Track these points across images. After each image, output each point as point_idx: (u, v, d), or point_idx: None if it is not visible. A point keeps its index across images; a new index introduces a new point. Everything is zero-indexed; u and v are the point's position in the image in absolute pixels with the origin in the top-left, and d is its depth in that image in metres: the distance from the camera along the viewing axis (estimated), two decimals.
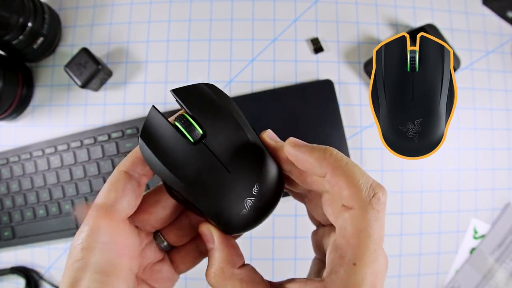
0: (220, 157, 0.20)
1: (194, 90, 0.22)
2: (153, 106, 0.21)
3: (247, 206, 0.20)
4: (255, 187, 0.20)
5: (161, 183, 0.23)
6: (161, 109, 0.38)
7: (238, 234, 0.22)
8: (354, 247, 0.18)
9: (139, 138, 0.20)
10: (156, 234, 0.24)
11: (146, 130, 0.20)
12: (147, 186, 0.45)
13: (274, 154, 0.22)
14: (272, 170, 0.21)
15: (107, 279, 0.19)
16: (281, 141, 0.22)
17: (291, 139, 0.21)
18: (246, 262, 0.21)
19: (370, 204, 0.18)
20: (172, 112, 0.44)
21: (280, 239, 0.48)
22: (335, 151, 0.19)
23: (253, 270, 0.21)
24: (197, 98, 0.21)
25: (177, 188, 0.20)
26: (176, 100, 0.21)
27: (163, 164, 0.20)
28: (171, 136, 0.20)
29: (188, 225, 0.24)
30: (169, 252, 0.25)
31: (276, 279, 0.21)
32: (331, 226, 0.21)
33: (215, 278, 0.20)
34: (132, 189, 0.21)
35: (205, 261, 0.23)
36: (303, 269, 0.25)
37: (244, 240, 0.50)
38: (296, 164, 0.20)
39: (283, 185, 0.22)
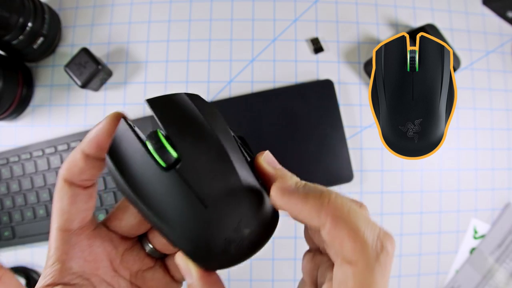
0: (196, 188, 0.17)
1: (173, 102, 0.18)
2: (122, 117, 0.18)
3: (227, 246, 0.17)
4: (238, 225, 0.17)
5: None
6: None
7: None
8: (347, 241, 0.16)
9: (106, 154, 0.18)
10: (143, 239, 0.23)
11: (114, 147, 0.18)
12: None
13: (269, 183, 0.19)
14: (262, 205, 0.18)
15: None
16: (280, 167, 0.19)
17: (273, 170, 0.18)
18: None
19: (377, 260, 0.15)
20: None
21: (280, 238, 0.48)
22: (333, 195, 0.17)
23: None
24: (175, 112, 0.18)
25: (143, 216, 0.18)
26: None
27: (130, 189, 0.17)
28: (140, 158, 0.17)
29: None
30: (164, 258, 0.24)
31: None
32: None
33: None
34: (77, 195, 0.20)
35: None
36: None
37: None
38: (289, 215, 0.18)
39: (277, 221, 0.19)
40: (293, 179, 0.18)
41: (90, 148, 0.19)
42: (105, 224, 0.22)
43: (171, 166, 0.17)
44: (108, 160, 0.18)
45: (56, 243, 0.20)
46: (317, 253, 0.21)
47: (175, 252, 0.21)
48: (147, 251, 0.23)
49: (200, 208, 0.17)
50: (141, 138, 0.18)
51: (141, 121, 0.49)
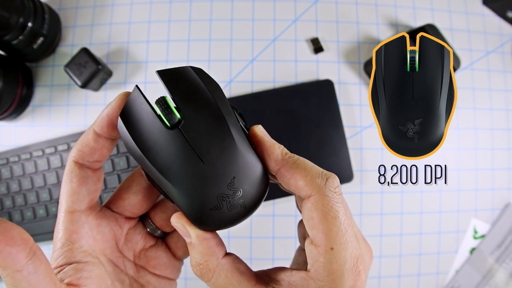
0: (195, 145, 0.19)
1: (180, 74, 0.21)
2: (136, 86, 0.20)
3: (220, 203, 0.19)
4: (231, 183, 0.19)
5: (138, 167, 0.23)
6: None
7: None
8: (325, 231, 0.18)
9: (119, 116, 0.20)
10: (145, 219, 0.24)
11: (126, 110, 0.20)
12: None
13: (261, 151, 0.21)
14: (254, 166, 0.20)
15: (79, 266, 0.20)
16: (271, 139, 0.21)
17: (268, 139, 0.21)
18: (229, 252, 0.21)
19: (326, 187, 0.19)
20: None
21: (280, 238, 0.48)
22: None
23: (237, 259, 0.21)
24: (181, 81, 0.20)
25: (148, 173, 0.20)
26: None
27: (137, 146, 0.19)
28: (148, 118, 0.19)
29: (172, 208, 0.24)
30: (165, 237, 0.25)
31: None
32: None
33: (199, 271, 0.20)
34: (87, 177, 0.21)
35: None
36: None
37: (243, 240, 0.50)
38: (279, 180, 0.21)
39: (267, 185, 0.21)
40: (281, 148, 0.21)
41: (101, 127, 0.20)
42: (108, 206, 0.23)
43: (174, 125, 0.19)
44: (120, 121, 0.19)
45: (65, 224, 0.21)
46: None
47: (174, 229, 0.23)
48: (148, 230, 0.24)
49: (198, 163, 0.19)
50: (150, 103, 0.20)
51: None
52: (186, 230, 0.20)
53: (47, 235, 0.49)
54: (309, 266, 0.19)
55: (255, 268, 0.21)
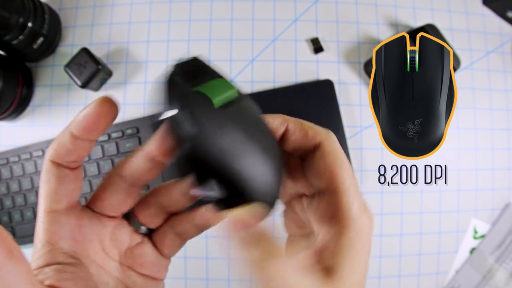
0: (242, 123, 0.20)
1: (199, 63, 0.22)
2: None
3: (263, 171, 0.19)
4: (268, 152, 0.20)
5: (115, 167, 0.22)
6: None
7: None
8: (336, 171, 0.20)
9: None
10: (129, 216, 0.24)
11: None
12: (147, 187, 0.45)
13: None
14: (274, 141, 0.21)
15: (60, 268, 0.19)
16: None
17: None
18: None
19: (330, 134, 0.21)
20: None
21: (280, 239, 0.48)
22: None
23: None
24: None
25: (200, 148, 0.18)
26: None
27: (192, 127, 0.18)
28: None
29: (156, 204, 0.23)
30: (151, 234, 0.24)
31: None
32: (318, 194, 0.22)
33: (268, 268, 0.17)
34: (65, 176, 0.20)
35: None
36: None
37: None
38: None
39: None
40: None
41: (79, 129, 0.19)
42: (89, 206, 0.22)
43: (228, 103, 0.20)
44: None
45: (45, 225, 0.20)
46: (295, 201, 0.24)
47: (161, 226, 0.24)
48: (136, 228, 0.23)
49: (246, 137, 0.19)
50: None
51: (141, 121, 0.49)
52: (248, 219, 0.18)
53: None
54: (321, 225, 0.20)
55: None
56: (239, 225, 0.18)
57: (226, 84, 0.20)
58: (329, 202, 0.20)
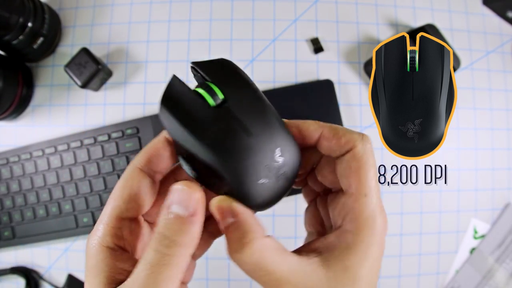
0: (243, 119, 0.20)
1: (215, 62, 0.22)
2: (174, 75, 0.21)
3: (267, 174, 0.20)
4: (276, 152, 0.20)
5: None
6: None
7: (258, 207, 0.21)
8: (360, 179, 0.20)
9: (159, 104, 0.20)
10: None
11: (166, 96, 0.20)
12: None
13: (295, 128, 0.23)
14: (291, 138, 0.22)
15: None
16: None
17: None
18: None
19: (365, 140, 0.21)
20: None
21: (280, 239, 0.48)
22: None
23: (275, 239, 0.20)
24: (218, 68, 0.22)
25: (196, 153, 0.19)
26: (196, 73, 0.22)
27: (183, 127, 0.19)
28: (192, 100, 0.20)
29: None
30: None
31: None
32: (340, 191, 0.22)
33: (242, 249, 0.18)
34: (147, 186, 0.21)
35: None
36: None
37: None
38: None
39: (301, 160, 0.22)
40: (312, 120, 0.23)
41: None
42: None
43: (220, 104, 0.20)
44: (161, 107, 0.20)
45: (114, 230, 0.20)
46: (323, 195, 0.25)
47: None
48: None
49: (244, 136, 0.20)
50: (190, 88, 0.21)
51: (142, 121, 0.49)
52: (231, 208, 0.19)
53: (47, 235, 0.49)
54: (339, 222, 0.21)
55: None
56: (219, 211, 0.20)
57: (215, 88, 0.21)
58: (349, 201, 0.21)
